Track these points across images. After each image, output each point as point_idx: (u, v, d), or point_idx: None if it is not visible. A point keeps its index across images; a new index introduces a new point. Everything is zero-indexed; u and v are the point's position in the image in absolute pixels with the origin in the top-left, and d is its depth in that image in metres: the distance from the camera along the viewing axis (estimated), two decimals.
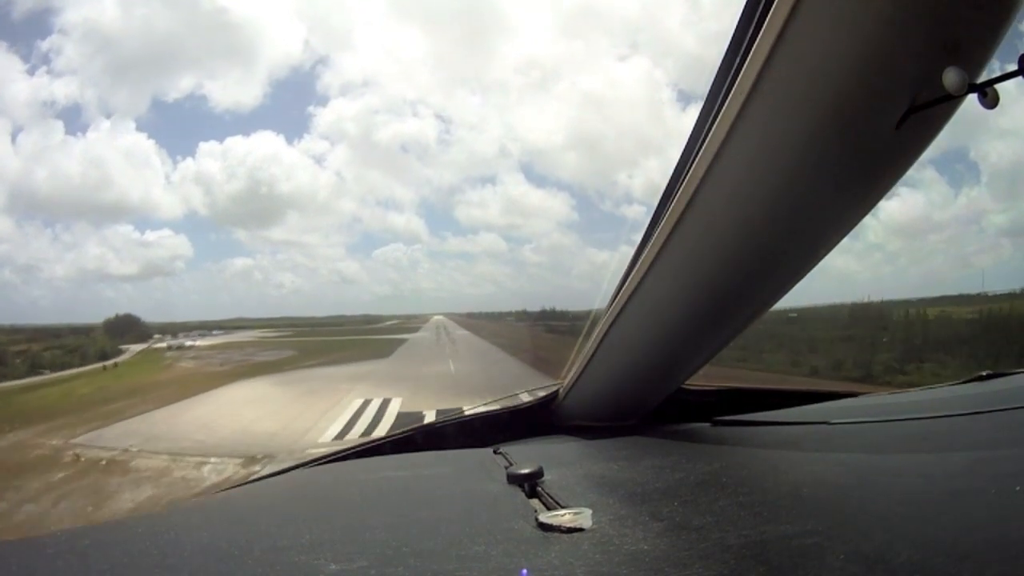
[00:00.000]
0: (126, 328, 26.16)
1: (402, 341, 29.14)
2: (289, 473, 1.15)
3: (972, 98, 0.57)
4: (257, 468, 6.70)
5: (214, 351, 24.13)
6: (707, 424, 1.16)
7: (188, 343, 25.85)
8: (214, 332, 31.94)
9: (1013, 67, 0.54)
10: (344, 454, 1.28)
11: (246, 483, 1.09)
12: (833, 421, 1.02)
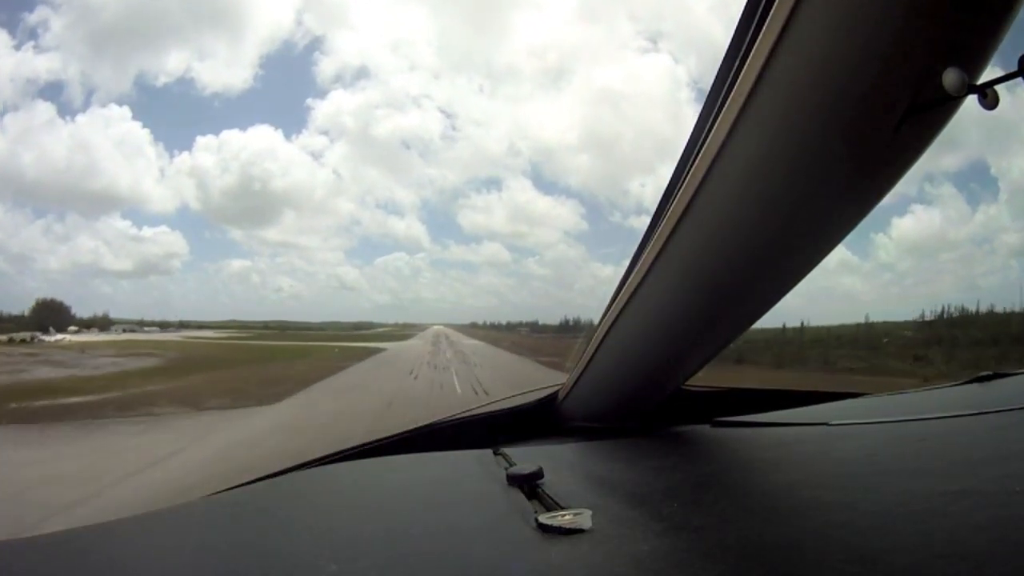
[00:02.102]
0: (47, 316, 23.90)
1: (373, 352, 22.17)
2: (289, 474, 1.15)
3: (973, 99, 0.57)
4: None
5: (51, 352, 18.11)
6: (707, 425, 1.15)
7: (51, 339, 21.69)
8: (146, 328, 30.08)
9: (1013, 68, 0.54)
10: (344, 454, 1.28)
11: (246, 484, 1.09)
12: (833, 422, 1.02)
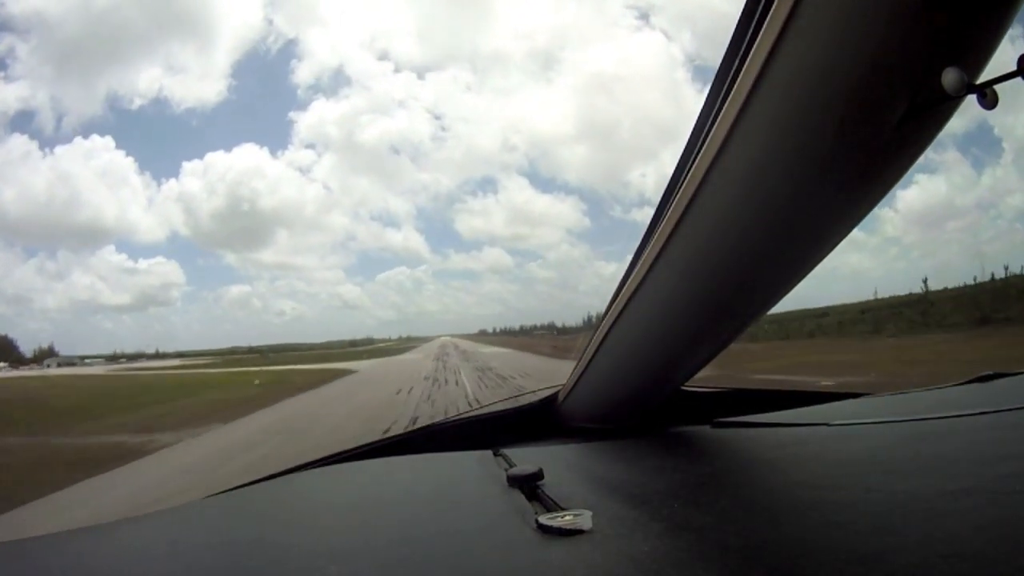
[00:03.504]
0: None
1: (327, 379, 16.15)
2: (289, 475, 1.15)
3: (972, 98, 0.57)
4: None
5: None
6: (707, 426, 1.15)
7: None
8: (87, 361, 29.30)
9: (1013, 68, 0.54)
10: (344, 455, 1.28)
11: (245, 485, 1.09)
12: (833, 422, 1.02)
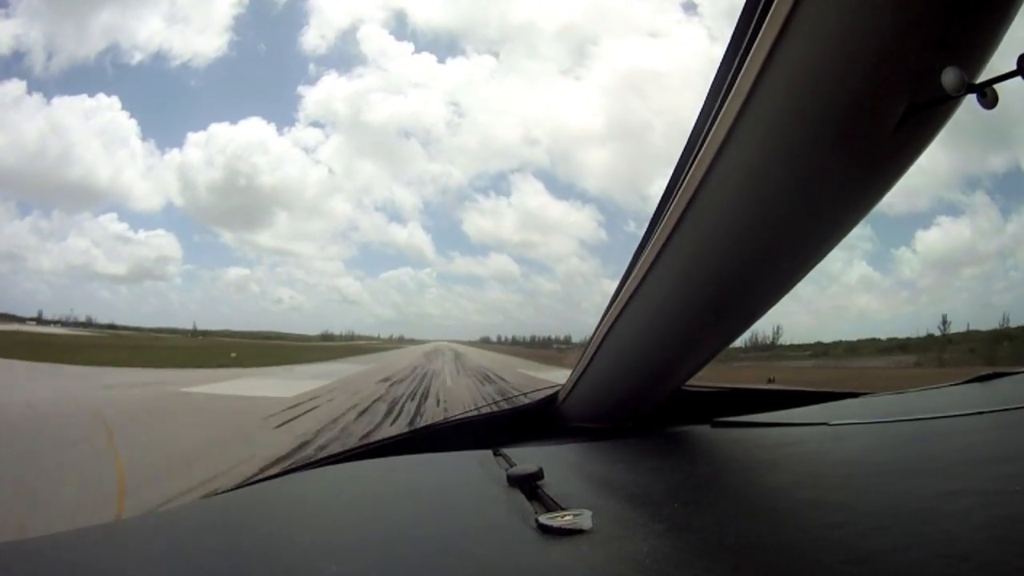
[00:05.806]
0: None
1: None
2: (288, 476, 1.15)
3: (972, 98, 0.57)
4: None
5: None
6: (706, 425, 1.16)
7: None
8: None
9: (1012, 67, 0.54)
10: (344, 455, 1.28)
11: (245, 485, 1.09)
12: (833, 422, 1.02)
